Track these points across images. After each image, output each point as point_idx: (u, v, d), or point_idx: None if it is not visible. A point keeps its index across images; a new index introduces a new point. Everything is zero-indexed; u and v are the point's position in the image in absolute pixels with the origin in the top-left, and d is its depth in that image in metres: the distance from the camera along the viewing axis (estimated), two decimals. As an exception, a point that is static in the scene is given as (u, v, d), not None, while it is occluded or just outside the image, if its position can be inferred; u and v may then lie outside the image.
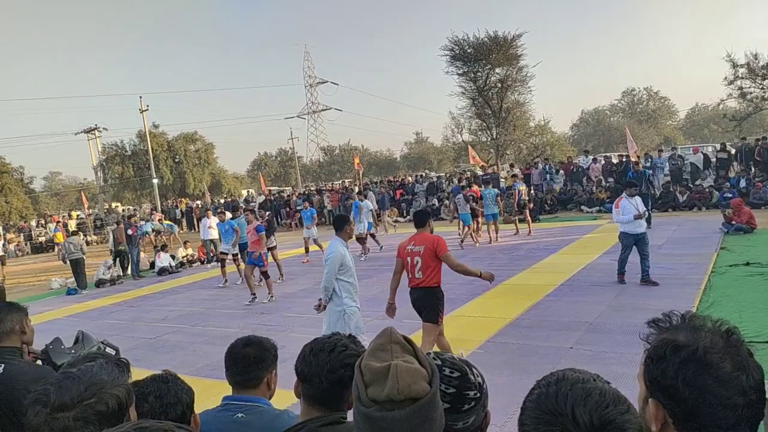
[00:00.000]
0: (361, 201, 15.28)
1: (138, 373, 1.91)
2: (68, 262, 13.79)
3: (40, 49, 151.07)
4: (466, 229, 14.49)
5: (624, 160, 21.41)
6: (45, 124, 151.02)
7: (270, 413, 2.01)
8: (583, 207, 20.25)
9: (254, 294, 10.32)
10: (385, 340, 1.11)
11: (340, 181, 45.47)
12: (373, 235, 15.31)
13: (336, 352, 1.54)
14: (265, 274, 10.49)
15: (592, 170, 22.05)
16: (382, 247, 15.06)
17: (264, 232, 10.60)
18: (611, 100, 74.32)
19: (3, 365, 2.32)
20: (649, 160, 20.90)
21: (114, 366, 1.35)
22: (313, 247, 14.65)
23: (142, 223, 20.43)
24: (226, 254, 12.65)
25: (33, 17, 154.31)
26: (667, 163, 20.30)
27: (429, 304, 5.34)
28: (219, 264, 12.86)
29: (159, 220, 24.65)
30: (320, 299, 5.53)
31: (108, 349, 2.30)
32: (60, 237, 22.59)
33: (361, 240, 14.20)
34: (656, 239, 12.11)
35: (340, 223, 5.59)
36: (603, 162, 22.59)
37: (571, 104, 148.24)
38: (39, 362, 2.65)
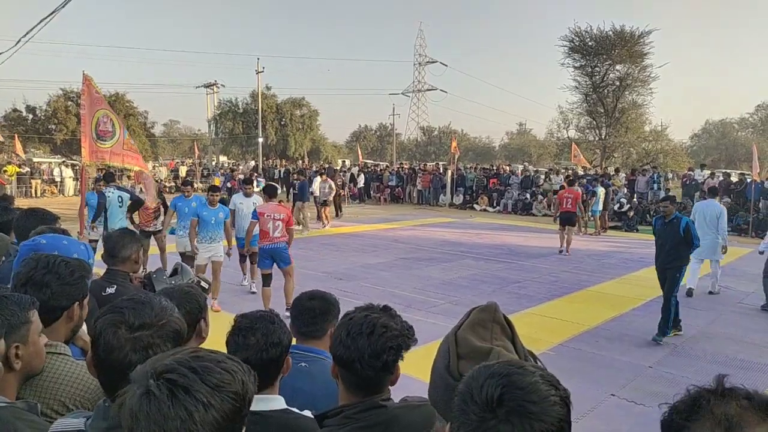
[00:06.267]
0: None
1: (220, 314, 2.05)
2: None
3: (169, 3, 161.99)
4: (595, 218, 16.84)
5: (744, 179, 19.60)
6: (169, 74, 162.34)
7: (330, 366, 2.08)
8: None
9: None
10: (488, 317, 1.06)
11: (434, 162, 45.31)
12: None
13: (376, 335, 1.41)
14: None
15: (707, 185, 20.35)
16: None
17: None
18: (742, 113, 67.63)
19: (115, 286, 2.67)
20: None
21: (167, 300, 1.43)
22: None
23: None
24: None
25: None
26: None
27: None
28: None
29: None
30: None
31: (203, 284, 2.49)
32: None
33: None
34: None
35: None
36: (721, 178, 20.81)
37: (695, 111, 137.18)
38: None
